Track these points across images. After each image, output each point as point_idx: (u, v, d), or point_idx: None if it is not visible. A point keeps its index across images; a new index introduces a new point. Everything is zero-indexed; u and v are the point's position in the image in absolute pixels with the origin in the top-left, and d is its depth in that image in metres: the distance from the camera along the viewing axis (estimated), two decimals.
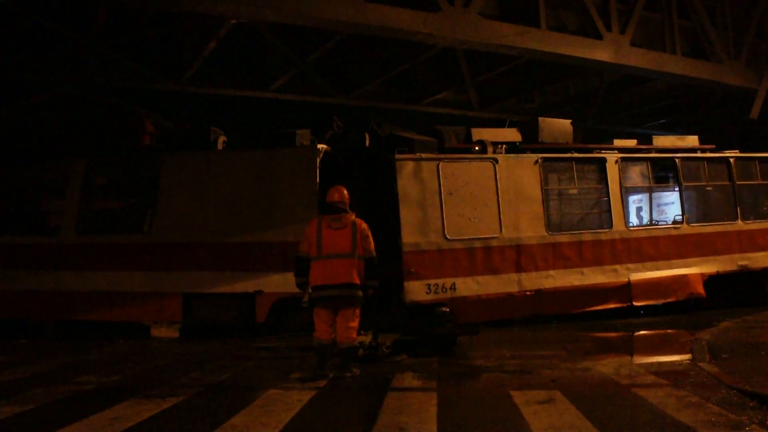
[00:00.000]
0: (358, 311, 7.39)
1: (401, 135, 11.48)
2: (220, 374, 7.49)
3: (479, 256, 10.93)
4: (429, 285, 10.55)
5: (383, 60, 18.19)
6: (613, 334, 10.41)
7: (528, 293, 11.13)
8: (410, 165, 10.81)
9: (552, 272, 11.32)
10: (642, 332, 10.57)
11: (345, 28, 14.10)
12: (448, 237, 10.74)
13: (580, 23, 15.94)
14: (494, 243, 11.03)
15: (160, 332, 10.77)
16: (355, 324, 7.35)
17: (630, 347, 9.65)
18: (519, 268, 11.15)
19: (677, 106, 23.51)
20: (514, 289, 11.07)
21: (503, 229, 11.09)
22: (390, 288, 10.63)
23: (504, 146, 11.65)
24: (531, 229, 11.30)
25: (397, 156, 10.78)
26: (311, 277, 7.33)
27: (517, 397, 6.02)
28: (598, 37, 15.89)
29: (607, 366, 7.55)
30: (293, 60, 17.57)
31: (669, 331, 10.70)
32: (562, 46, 15.45)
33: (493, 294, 10.91)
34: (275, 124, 17.11)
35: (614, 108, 23.74)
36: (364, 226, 7.53)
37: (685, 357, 7.87)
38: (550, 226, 11.48)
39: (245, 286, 10.46)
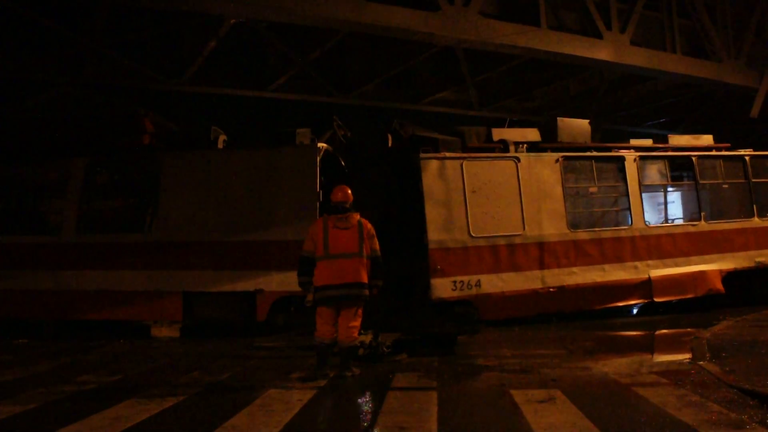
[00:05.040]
0: (360, 311, 7.38)
1: (424, 135, 11.60)
2: (221, 374, 7.48)
3: (503, 254, 11.05)
4: (455, 282, 10.67)
5: (383, 59, 18.23)
6: (613, 333, 10.41)
7: (551, 290, 11.24)
8: (435, 164, 10.95)
9: (574, 269, 11.44)
10: (642, 331, 10.56)
11: (345, 27, 14.13)
12: (472, 234, 10.86)
13: (580, 22, 15.96)
14: (517, 240, 11.16)
15: (160, 332, 10.78)
16: (357, 323, 7.34)
17: (630, 346, 9.65)
18: (542, 265, 11.26)
19: (677, 105, 23.55)
20: (537, 285, 11.18)
21: (526, 226, 11.22)
22: (413, 286, 10.75)
23: (525, 145, 11.79)
24: (553, 227, 11.42)
25: (422, 155, 10.93)
26: (317, 277, 7.31)
27: (518, 396, 6.01)
28: (598, 36, 15.91)
29: (607, 365, 7.55)
30: (293, 59, 17.60)
31: (669, 330, 10.69)
32: (563, 45, 15.48)
33: (517, 291, 11.03)
34: (275, 123, 17.15)
35: (614, 107, 23.78)
36: (370, 225, 7.54)
37: (685, 356, 7.86)
38: (571, 224, 11.60)
39: (245, 285, 10.46)
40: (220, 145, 11.50)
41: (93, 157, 11.38)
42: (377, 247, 7.54)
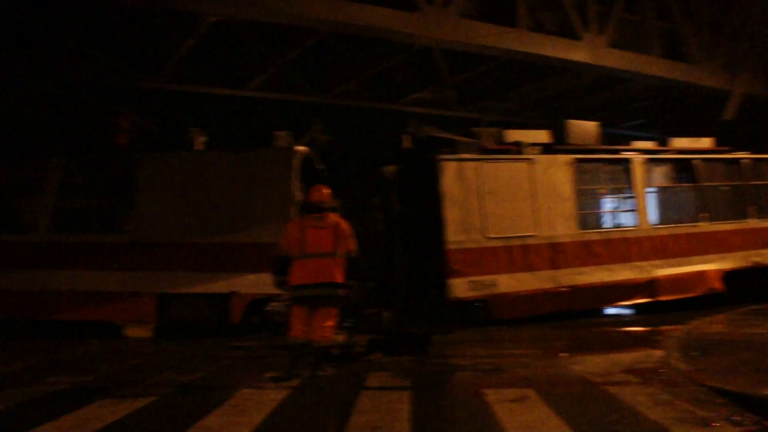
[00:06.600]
0: (335, 311, 7.36)
1: (441, 136, 11.71)
2: (194, 374, 7.45)
3: (517, 254, 11.24)
4: (471, 282, 10.81)
5: (362, 59, 18.21)
6: (586, 333, 10.47)
7: (563, 289, 11.42)
8: (453, 165, 11.09)
9: (584, 269, 11.65)
10: (614, 330, 10.66)
11: (324, 27, 14.10)
12: (489, 235, 11.01)
13: (559, 24, 16.10)
14: (531, 241, 11.35)
15: (133, 332, 10.66)
16: (331, 323, 7.32)
17: (602, 345, 9.71)
18: (554, 265, 11.47)
19: (654, 106, 23.76)
20: (549, 285, 11.38)
21: (540, 227, 11.41)
22: (432, 285, 10.93)
23: (538, 147, 11.93)
24: (565, 228, 11.63)
25: (441, 156, 11.03)
26: (292, 276, 7.28)
27: (491, 395, 6.03)
28: (577, 37, 16.05)
29: (579, 364, 7.63)
30: (272, 58, 17.51)
31: (640, 329, 10.79)
32: (541, 46, 15.61)
33: (530, 290, 11.23)
34: (255, 122, 17.06)
35: (592, 108, 23.88)
36: (346, 225, 7.52)
37: (656, 355, 7.95)
38: (581, 225, 11.79)
39: (220, 286, 10.42)
40: (200, 147, 11.44)
41: (69, 156, 11.26)
42: (353, 246, 7.53)
